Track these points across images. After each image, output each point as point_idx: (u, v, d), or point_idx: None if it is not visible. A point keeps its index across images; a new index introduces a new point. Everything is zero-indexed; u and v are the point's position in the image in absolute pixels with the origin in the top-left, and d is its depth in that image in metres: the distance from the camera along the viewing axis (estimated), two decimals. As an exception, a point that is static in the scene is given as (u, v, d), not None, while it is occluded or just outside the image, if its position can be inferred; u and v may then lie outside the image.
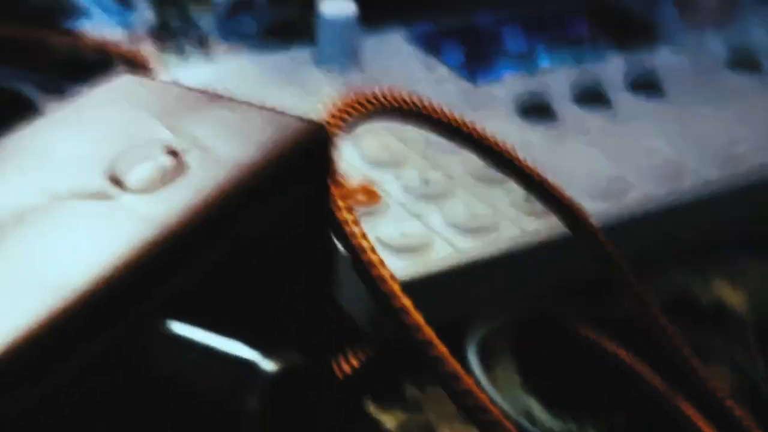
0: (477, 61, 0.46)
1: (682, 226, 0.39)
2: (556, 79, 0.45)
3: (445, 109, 0.29)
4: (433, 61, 0.46)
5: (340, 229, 0.23)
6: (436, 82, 0.44)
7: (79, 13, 0.55)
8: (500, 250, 0.35)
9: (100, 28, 0.54)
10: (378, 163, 0.38)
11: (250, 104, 0.23)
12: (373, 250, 0.23)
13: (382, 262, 0.23)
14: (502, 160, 0.31)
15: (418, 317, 0.23)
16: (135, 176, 0.21)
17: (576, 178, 0.37)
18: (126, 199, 0.20)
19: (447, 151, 0.39)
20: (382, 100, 0.26)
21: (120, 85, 0.24)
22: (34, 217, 0.20)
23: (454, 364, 0.24)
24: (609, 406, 0.34)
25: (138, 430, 0.19)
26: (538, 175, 0.33)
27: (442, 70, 0.45)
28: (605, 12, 0.51)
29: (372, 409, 0.33)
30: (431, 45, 0.47)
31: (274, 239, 0.22)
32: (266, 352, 0.18)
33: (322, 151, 0.22)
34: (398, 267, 0.34)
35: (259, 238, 0.21)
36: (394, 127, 0.40)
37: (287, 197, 0.22)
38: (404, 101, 0.27)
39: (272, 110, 0.22)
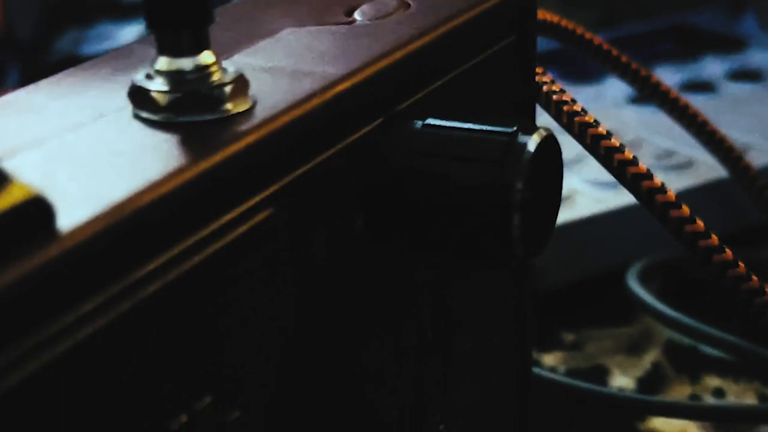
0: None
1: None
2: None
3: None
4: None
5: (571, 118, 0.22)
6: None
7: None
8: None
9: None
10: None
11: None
12: (597, 122, 0.23)
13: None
14: (666, 99, 0.32)
15: (660, 188, 0.22)
16: (367, 10, 0.21)
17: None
18: (363, 24, 0.21)
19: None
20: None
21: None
22: (290, 39, 0.20)
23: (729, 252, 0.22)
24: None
25: (401, 221, 0.19)
26: (697, 113, 0.33)
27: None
28: (689, 33, 0.52)
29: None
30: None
31: (487, 83, 0.22)
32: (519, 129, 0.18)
33: (529, 6, 0.23)
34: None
35: (475, 76, 0.21)
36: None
37: (494, 45, 0.22)
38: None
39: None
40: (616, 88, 0.44)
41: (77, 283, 0.14)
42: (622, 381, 0.32)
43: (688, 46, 0.50)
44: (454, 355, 0.23)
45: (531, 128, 0.19)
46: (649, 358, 0.32)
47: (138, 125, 0.17)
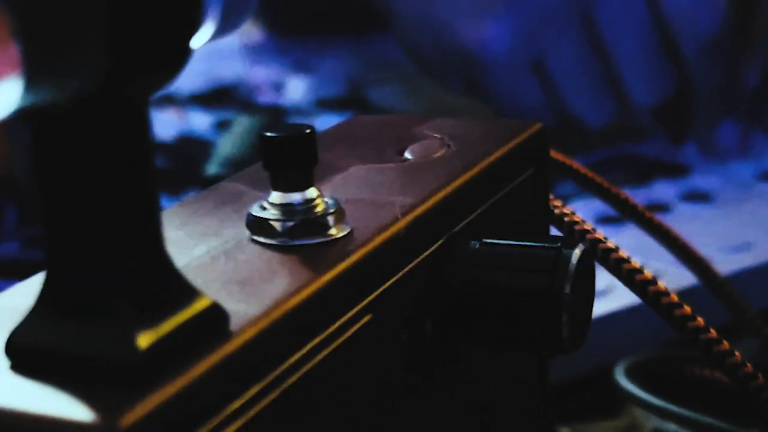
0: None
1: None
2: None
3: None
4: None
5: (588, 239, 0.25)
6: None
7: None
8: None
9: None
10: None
11: (476, 117, 0.26)
12: (605, 239, 0.26)
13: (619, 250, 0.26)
14: (642, 218, 0.35)
15: (665, 292, 0.25)
16: (417, 150, 0.24)
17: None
18: (417, 162, 0.24)
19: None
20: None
21: (359, 117, 0.28)
22: (359, 175, 0.23)
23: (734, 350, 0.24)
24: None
25: (463, 323, 0.21)
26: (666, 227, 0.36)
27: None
28: (637, 162, 0.56)
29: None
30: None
31: (514, 207, 0.25)
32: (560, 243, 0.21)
33: (543, 143, 0.26)
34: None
35: (506, 201, 0.24)
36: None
37: (520, 176, 0.25)
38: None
39: (501, 118, 0.26)
40: (582, 210, 0.47)
41: (245, 373, 0.16)
42: (618, 467, 0.34)
43: (638, 173, 0.54)
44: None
45: (571, 243, 0.21)
46: (640, 446, 0.35)
47: (258, 248, 0.19)
